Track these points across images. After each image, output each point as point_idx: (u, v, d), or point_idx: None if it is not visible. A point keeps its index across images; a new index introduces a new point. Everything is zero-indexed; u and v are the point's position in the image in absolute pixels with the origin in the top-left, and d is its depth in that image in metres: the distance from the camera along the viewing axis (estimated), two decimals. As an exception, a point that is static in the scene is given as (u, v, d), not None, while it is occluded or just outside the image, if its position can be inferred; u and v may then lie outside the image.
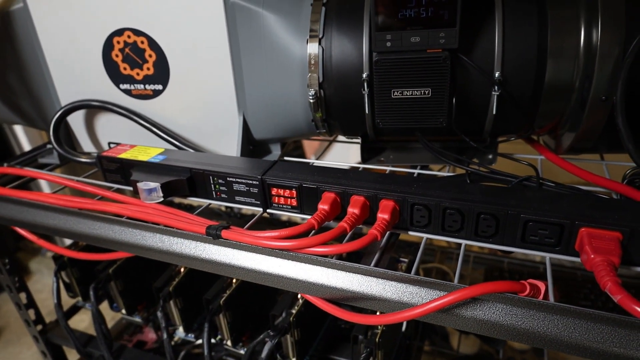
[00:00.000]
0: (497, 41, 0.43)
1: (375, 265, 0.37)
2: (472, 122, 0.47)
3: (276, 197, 0.45)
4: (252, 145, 0.57)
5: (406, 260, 0.62)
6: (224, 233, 0.40)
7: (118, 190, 0.52)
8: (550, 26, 0.42)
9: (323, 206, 0.41)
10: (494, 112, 0.45)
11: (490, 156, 0.51)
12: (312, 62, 0.48)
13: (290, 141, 0.62)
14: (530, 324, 0.32)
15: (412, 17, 0.42)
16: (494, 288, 0.31)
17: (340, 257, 0.39)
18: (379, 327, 0.50)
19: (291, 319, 0.53)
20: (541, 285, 0.33)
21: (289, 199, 0.44)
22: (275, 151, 0.60)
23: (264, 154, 0.59)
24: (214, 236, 0.40)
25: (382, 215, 0.39)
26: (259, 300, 0.62)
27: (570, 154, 0.49)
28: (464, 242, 0.39)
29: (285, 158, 0.59)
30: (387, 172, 0.53)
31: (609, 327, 0.30)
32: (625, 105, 0.40)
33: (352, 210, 0.40)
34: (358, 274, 0.36)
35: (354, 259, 0.39)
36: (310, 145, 1.36)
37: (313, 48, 0.47)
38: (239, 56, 0.51)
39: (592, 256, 0.32)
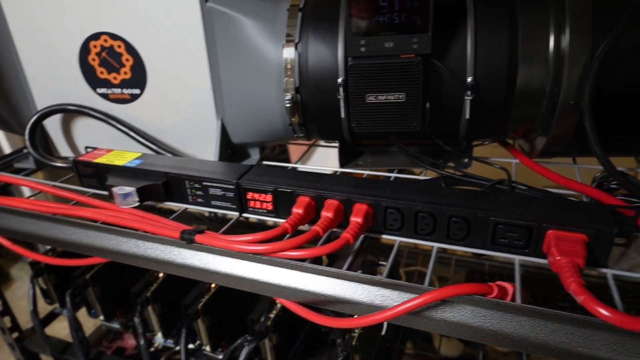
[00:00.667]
0: (470, 47, 0.43)
1: (348, 269, 0.37)
2: (446, 126, 0.48)
3: (252, 202, 0.45)
4: (230, 150, 0.57)
5: (385, 263, 0.62)
6: (198, 237, 0.40)
7: (95, 195, 0.52)
8: (521, 32, 0.43)
9: (297, 210, 0.41)
10: (468, 117, 0.45)
11: (465, 160, 0.52)
12: (289, 66, 0.48)
13: (270, 145, 0.62)
14: (498, 325, 0.32)
15: (385, 22, 0.42)
16: (461, 290, 0.32)
17: (319, 261, 0.39)
18: (356, 330, 0.50)
19: (269, 323, 0.52)
20: (509, 287, 0.33)
21: (264, 203, 0.44)
22: (254, 155, 0.60)
23: (243, 158, 0.59)
24: (188, 241, 0.40)
25: (355, 219, 0.39)
26: (238, 304, 0.62)
27: (543, 157, 0.50)
28: (436, 245, 0.39)
29: (265, 162, 0.59)
30: (364, 175, 0.53)
31: (573, 328, 0.31)
32: (593, 110, 0.40)
33: (326, 214, 0.40)
34: (330, 277, 0.37)
35: (333, 263, 0.39)
36: (296, 150, 1.36)
37: (289, 53, 0.48)
38: (217, 61, 0.51)
39: (558, 258, 0.33)
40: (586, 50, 0.40)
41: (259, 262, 0.38)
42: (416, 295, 0.33)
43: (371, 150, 0.56)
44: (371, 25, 0.42)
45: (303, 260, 0.38)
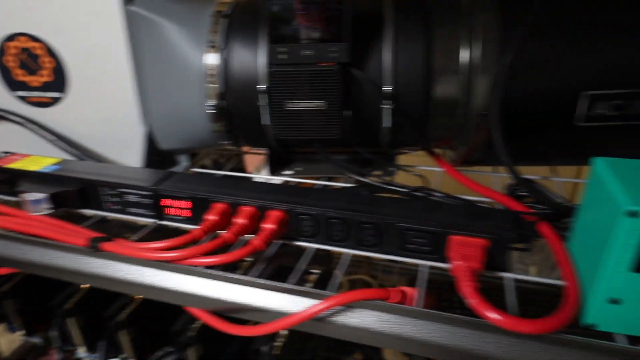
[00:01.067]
0: (388, 56, 0.44)
1: (259, 275, 0.37)
2: (368, 135, 0.48)
3: (169, 208, 0.44)
4: (159, 156, 0.56)
5: (319, 271, 0.62)
6: (105, 245, 0.38)
7: (8, 203, 0.49)
8: (437, 44, 0.44)
9: (210, 217, 0.40)
10: (388, 125, 0.46)
11: (390, 168, 0.53)
12: (211, 72, 0.47)
13: (226, 154, 0.61)
14: (397, 329, 0.32)
15: (305, 30, 0.42)
16: (361, 296, 0.32)
17: (232, 267, 0.39)
18: (279, 339, 0.49)
19: (192, 333, 0.51)
20: (411, 291, 0.34)
21: (182, 210, 0.43)
22: (184, 162, 0.59)
23: (172, 165, 0.58)
24: (93, 248, 0.39)
25: (267, 225, 0.39)
26: (164, 315, 0.60)
27: (465, 166, 0.52)
28: (349, 251, 0.40)
29: (196, 170, 0.58)
30: (286, 183, 0.53)
31: (468, 330, 0.31)
32: (505, 119, 0.42)
33: (238, 220, 0.39)
34: (238, 284, 0.36)
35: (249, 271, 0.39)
36: (251, 159, 1.35)
37: (211, 59, 0.47)
38: (142, 65, 0.50)
39: (455, 262, 0.33)
40: (493, 62, 0.42)
41: (166, 270, 0.38)
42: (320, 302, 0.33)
43: (302, 159, 0.57)
44: (291, 32, 0.43)
45: (212, 267, 0.37)
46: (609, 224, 0.28)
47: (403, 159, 0.54)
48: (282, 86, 0.44)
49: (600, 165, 0.31)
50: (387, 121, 0.46)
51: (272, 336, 0.51)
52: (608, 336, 0.31)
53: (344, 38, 0.42)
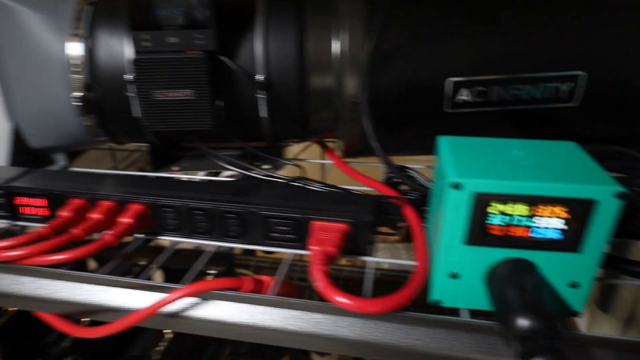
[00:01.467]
0: (260, 45, 0.43)
1: (112, 272, 0.35)
2: (249, 127, 0.47)
3: (24, 207, 0.40)
4: (29, 155, 0.52)
5: (216, 271, 0.60)
6: None
7: None
8: (309, 32, 0.44)
9: (63, 213, 0.37)
10: (266, 116, 0.45)
11: (278, 161, 0.52)
12: (74, 62, 0.44)
13: (78, 149, 0.57)
14: (253, 319, 0.31)
15: (168, 17, 0.41)
16: (209, 286, 0.31)
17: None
18: (161, 344, 0.47)
19: (67, 344, 0.47)
20: (267, 280, 0.33)
21: (38, 209, 0.40)
22: (61, 161, 0.55)
23: (47, 164, 0.54)
24: None
25: (123, 220, 0.36)
26: (39, 326, 0.55)
27: (350, 157, 0.52)
28: (215, 243, 0.38)
29: (73, 169, 0.55)
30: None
31: (321, 315, 0.31)
32: (374, 108, 0.42)
33: (93, 215, 0.37)
34: (86, 283, 0.33)
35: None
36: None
37: (74, 48, 0.44)
38: (2, 56, 0.46)
39: (311, 247, 0.33)
40: (360, 51, 0.42)
41: (5, 272, 0.34)
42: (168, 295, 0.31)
43: (190, 154, 0.55)
44: (152, 19, 0.41)
45: (58, 265, 0.34)
46: (442, 199, 0.28)
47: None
48: (149, 75, 0.42)
49: (443, 143, 0.31)
50: (263, 111, 0.45)
51: (155, 340, 0.49)
52: (455, 312, 0.31)
53: (209, 25, 0.41)
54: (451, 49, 0.42)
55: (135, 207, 0.37)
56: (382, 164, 0.43)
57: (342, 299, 0.29)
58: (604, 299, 0.80)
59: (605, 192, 0.25)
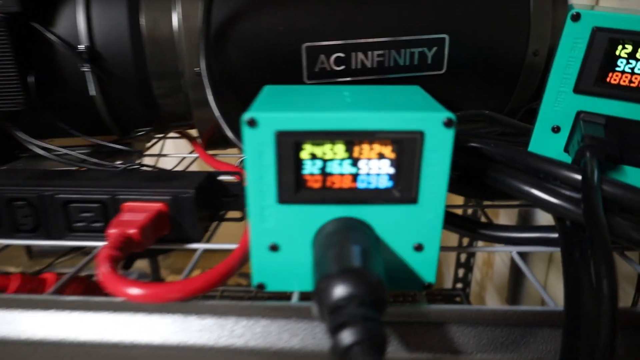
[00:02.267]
0: (81, 9, 0.37)
1: None
2: (80, 110, 0.40)
3: None
4: None
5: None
6: None
7: None
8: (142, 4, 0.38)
9: None
10: (97, 95, 0.38)
11: (133, 152, 0.45)
12: None
13: None
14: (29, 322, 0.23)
15: (-45, -28, 0.33)
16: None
17: None
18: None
19: None
20: (50, 277, 0.25)
21: None
22: None
23: None
24: None
25: None
26: None
27: (212, 148, 0.46)
28: (3, 242, 0.30)
29: None
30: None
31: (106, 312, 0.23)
32: (225, 82, 0.37)
33: None
34: None
35: None
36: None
37: None
38: None
39: (107, 231, 0.26)
40: (195, 21, 0.36)
41: None
42: None
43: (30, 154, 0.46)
44: None
45: None
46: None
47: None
48: None
49: (265, 90, 0.26)
50: (92, 89, 0.38)
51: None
52: (288, 298, 0.25)
53: (9, -19, 0.34)
54: (304, 11, 0.38)
55: None
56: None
57: (130, 289, 0.22)
58: (513, 294, 0.77)
59: (431, 120, 0.20)
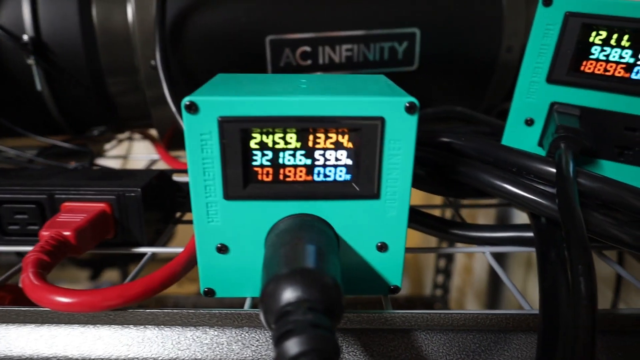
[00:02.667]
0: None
1: None
2: (28, 107, 0.37)
3: None
4: None
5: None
6: None
7: None
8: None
9: None
10: (45, 90, 0.36)
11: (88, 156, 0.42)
12: None
13: None
14: None
15: None
16: None
17: None
18: None
19: None
20: None
21: None
22: None
23: None
24: None
25: None
26: None
27: (173, 150, 0.43)
28: None
29: None
30: None
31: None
32: (184, 77, 0.34)
33: None
34: None
35: None
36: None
37: None
38: None
39: (40, 233, 0.23)
40: (151, 12, 0.34)
41: None
42: None
43: None
44: None
45: None
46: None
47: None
48: None
49: (216, 77, 0.24)
50: (40, 83, 0.35)
51: None
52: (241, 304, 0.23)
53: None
54: (267, 1, 0.36)
55: None
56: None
57: (57, 297, 0.19)
58: (492, 300, 0.76)
59: (392, 105, 0.18)
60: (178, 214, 0.31)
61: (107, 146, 0.50)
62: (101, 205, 0.25)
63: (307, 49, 0.36)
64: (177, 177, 0.30)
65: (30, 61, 0.34)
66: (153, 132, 0.50)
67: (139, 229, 0.26)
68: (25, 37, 0.34)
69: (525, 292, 0.64)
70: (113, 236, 0.26)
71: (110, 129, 0.41)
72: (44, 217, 0.26)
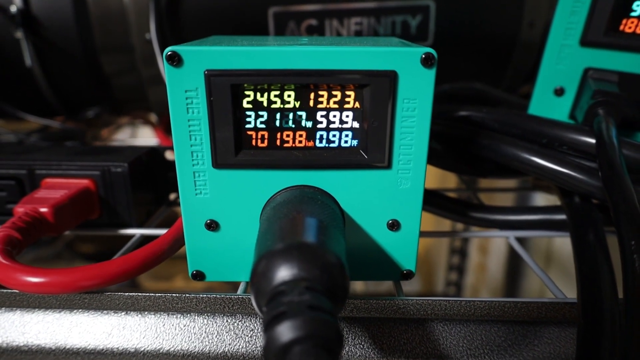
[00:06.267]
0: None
1: None
2: (18, 84, 0.35)
3: None
4: None
5: None
6: None
7: None
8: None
9: None
10: (35, 65, 0.34)
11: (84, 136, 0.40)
12: None
13: None
14: None
15: None
16: None
17: None
18: None
19: None
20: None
21: None
22: None
23: None
24: None
25: None
26: None
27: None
28: None
29: None
30: None
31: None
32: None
33: None
34: None
35: None
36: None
37: None
38: None
39: (15, 209, 0.21)
40: None
41: None
42: None
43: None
44: None
45: None
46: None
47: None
48: None
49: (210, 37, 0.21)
50: (29, 58, 0.33)
51: None
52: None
53: None
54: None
55: None
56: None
57: (27, 277, 0.17)
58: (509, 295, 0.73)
59: (406, 57, 0.16)
60: (173, 196, 0.29)
61: (106, 131, 0.48)
62: (84, 181, 0.23)
63: (313, 22, 0.34)
64: (171, 156, 0.28)
65: (19, 35, 0.32)
66: (154, 117, 0.48)
67: (127, 209, 0.24)
68: (14, 9, 0.32)
69: (544, 292, 0.61)
70: (98, 216, 0.24)
71: (106, 110, 0.39)
72: (23, 194, 0.24)
